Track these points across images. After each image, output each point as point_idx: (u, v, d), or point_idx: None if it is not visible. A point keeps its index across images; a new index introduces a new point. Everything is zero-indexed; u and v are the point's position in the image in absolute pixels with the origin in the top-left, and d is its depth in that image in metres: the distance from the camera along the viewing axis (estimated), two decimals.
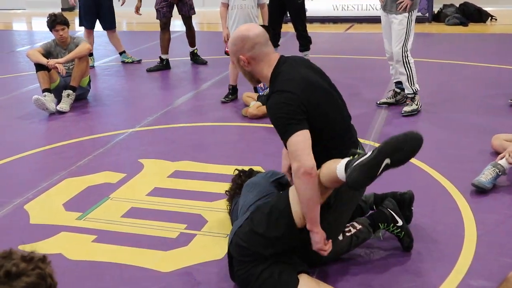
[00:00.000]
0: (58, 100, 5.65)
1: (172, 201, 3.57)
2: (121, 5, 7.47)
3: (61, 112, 5.50)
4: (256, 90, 5.60)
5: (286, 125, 2.49)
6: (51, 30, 5.73)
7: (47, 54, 5.69)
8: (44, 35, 9.26)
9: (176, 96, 6.12)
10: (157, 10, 6.97)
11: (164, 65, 7.21)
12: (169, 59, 7.29)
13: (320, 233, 2.52)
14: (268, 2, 6.00)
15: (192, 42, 7.33)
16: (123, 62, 7.56)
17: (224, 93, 5.82)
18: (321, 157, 2.49)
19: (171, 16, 7.05)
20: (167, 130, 5.04)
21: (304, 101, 2.49)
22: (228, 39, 5.58)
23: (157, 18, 7.09)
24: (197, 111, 5.60)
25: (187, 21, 7.12)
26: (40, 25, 11.00)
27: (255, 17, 5.61)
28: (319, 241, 2.52)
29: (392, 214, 2.90)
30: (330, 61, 7.38)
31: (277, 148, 4.41)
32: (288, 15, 6.57)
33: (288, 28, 7.25)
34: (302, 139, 2.44)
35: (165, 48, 7.15)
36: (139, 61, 7.62)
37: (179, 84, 6.69)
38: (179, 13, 7.04)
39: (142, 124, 5.16)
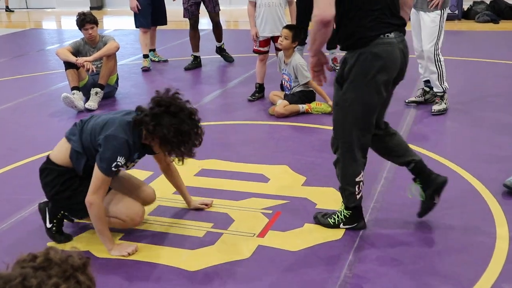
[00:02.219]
0: (87, 98, 5.71)
1: (198, 200, 3.57)
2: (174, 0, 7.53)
3: (89, 110, 5.55)
4: (282, 89, 5.57)
5: None
6: (80, 29, 5.78)
7: (76, 52, 5.74)
8: (73, 33, 9.36)
9: (203, 94, 6.12)
10: (185, 8, 6.98)
11: (198, 63, 7.26)
12: (203, 56, 7.38)
13: (316, 58, 2.87)
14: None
15: (218, 37, 7.32)
16: (151, 60, 7.54)
17: (251, 91, 5.81)
18: (349, 19, 2.74)
19: (199, 14, 7.06)
20: None
21: None
22: (256, 38, 5.57)
23: (184, 17, 7.10)
24: (224, 110, 5.59)
25: (214, 18, 7.10)
26: (69, 23, 11.12)
27: (283, 15, 5.57)
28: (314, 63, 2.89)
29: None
30: None
31: (304, 147, 4.41)
32: None
33: None
34: None
35: (196, 46, 7.20)
36: (165, 61, 7.63)
37: (206, 82, 6.69)
38: (206, 10, 7.05)
39: None
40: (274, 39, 5.56)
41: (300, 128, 4.86)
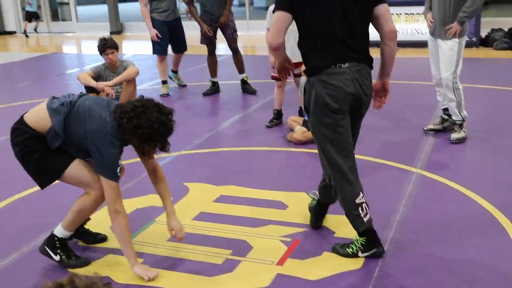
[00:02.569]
0: None
1: (217, 226, 3.58)
2: (190, 19, 7.53)
3: None
4: (301, 114, 5.59)
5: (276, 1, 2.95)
6: (101, 54, 5.87)
7: (97, 77, 5.82)
8: (93, 58, 9.50)
9: (222, 119, 6.16)
10: (203, 35, 7.06)
11: (216, 88, 7.32)
12: (220, 82, 7.43)
13: (280, 65, 3.15)
14: None
15: (240, 69, 7.28)
16: (170, 78, 7.60)
17: (269, 117, 5.83)
18: (306, 48, 2.97)
19: (216, 39, 7.13)
20: (213, 154, 5.07)
21: None
22: (274, 65, 5.60)
23: (201, 43, 7.17)
24: (242, 135, 5.62)
25: (232, 44, 7.14)
26: (90, 48, 11.30)
27: None
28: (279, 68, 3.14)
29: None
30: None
31: (322, 173, 4.39)
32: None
33: None
34: (277, 17, 2.90)
35: (214, 71, 7.27)
36: (184, 86, 7.68)
37: (225, 108, 6.74)
38: (224, 36, 7.10)
39: (188, 147, 5.21)
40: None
41: (318, 155, 4.85)
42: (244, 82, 7.30)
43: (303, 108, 5.13)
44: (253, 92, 7.21)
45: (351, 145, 3.09)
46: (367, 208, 3.07)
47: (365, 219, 3.06)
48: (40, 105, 3.12)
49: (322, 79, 2.91)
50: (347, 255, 3.14)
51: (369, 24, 3.01)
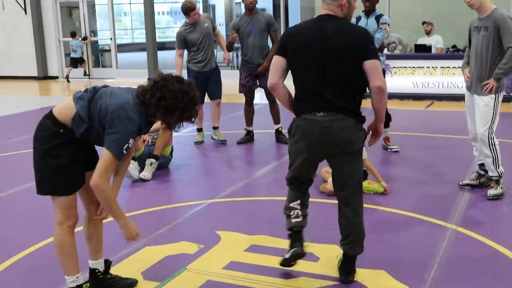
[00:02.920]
0: (141, 167, 5.86)
1: (248, 276, 3.56)
2: (227, 65, 7.60)
3: (143, 180, 5.69)
4: None
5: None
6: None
7: None
8: None
9: (255, 168, 6.19)
10: (241, 84, 7.14)
11: (251, 137, 7.37)
12: (255, 131, 7.47)
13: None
14: None
15: (276, 119, 7.28)
16: (213, 138, 7.39)
17: None
18: (295, 91, 3.41)
19: (255, 89, 7.22)
20: (246, 203, 5.08)
21: (285, 40, 3.35)
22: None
23: (240, 92, 7.26)
24: (276, 185, 5.62)
25: (270, 95, 7.10)
26: None
27: None
28: None
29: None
30: (411, 139, 7.29)
31: None
32: (368, 91, 6.61)
33: (367, 104, 7.24)
34: (273, 61, 3.39)
35: (250, 120, 7.34)
36: (223, 142, 7.33)
37: (258, 157, 6.78)
38: (260, 86, 7.16)
39: (221, 195, 5.23)
40: None
41: None
42: (278, 132, 7.32)
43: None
44: (287, 143, 7.19)
45: (305, 178, 3.66)
46: (300, 214, 3.64)
47: (293, 221, 3.60)
48: (66, 99, 3.17)
49: (297, 123, 3.37)
50: None
51: (358, 79, 3.27)
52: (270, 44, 7.19)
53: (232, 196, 5.22)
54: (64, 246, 3.16)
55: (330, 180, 5.24)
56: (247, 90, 7.18)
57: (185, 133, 8.05)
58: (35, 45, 16.67)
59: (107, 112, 2.93)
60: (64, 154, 3.04)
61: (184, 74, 6.95)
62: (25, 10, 16.59)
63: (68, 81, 15.93)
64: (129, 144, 2.94)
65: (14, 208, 5.13)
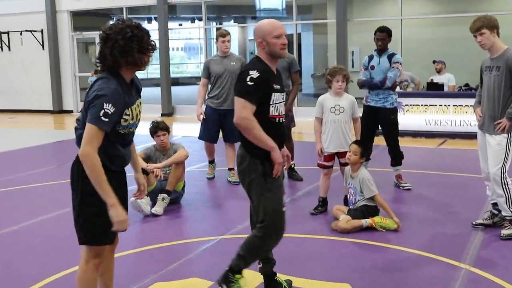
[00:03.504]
0: (153, 203, 5.87)
1: None
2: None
3: (155, 215, 5.70)
4: (346, 203, 5.57)
5: None
6: (153, 136, 6.07)
7: (147, 158, 6.01)
8: (143, 138, 9.77)
9: None
10: None
11: None
12: None
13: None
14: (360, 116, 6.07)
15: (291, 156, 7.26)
16: (228, 181, 7.25)
17: (314, 204, 5.83)
18: None
19: None
20: None
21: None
22: (321, 153, 5.65)
23: None
24: (287, 222, 5.58)
25: (288, 132, 7.07)
26: (141, 128, 11.63)
27: (348, 132, 5.68)
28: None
29: None
30: (423, 177, 7.26)
31: (367, 266, 4.32)
32: (380, 128, 6.64)
33: (379, 141, 7.27)
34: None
35: None
36: (236, 183, 7.06)
37: None
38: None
39: (233, 231, 5.22)
40: (339, 154, 5.65)
41: (363, 245, 4.79)
42: (291, 169, 7.28)
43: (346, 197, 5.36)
44: (299, 180, 7.18)
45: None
46: None
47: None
48: None
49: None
50: None
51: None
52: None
53: (244, 233, 5.18)
54: (86, 283, 3.16)
55: (342, 217, 5.23)
56: None
57: (197, 168, 8.08)
58: (51, 79, 16.96)
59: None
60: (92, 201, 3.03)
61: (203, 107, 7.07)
62: (42, 45, 16.94)
63: None
64: (107, 111, 2.90)
65: (26, 241, 5.15)
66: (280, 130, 3.60)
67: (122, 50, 2.96)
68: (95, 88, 2.98)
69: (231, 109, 6.93)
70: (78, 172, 3.07)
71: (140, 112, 3.19)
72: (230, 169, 7.25)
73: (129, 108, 3.05)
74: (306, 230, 5.24)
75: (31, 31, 16.81)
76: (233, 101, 7.01)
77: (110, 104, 2.90)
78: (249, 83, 3.42)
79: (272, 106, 3.52)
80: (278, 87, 3.57)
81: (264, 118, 3.48)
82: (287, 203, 6.18)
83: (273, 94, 3.51)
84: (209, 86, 7.16)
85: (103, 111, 2.88)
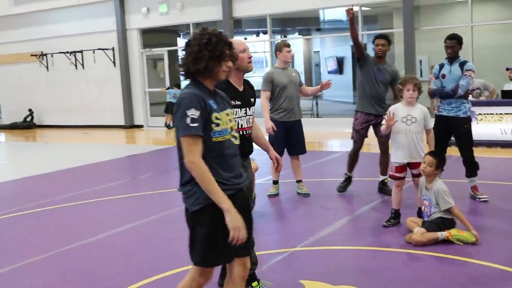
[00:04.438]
0: None
1: None
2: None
3: None
4: (420, 215, 5.44)
5: None
6: None
7: None
8: None
9: (337, 217, 6.11)
10: (356, 130, 6.90)
11: (349, 182, 7.15)
12: (335, 179, 7.33)
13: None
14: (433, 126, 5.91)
15: (384, 170, 6.91)
16: (298, 193, 7.17)
17: (386, 216, 5.72)
18: None
19: (367, 137, 7.01)
20: (329, 252, 5.01)
21: None
22: (391, 165, 5.53)
23: (352, 138, 7.01)
24: (358, 234, 5.53)
25: (384, 144, 6.84)
26: None
27: (420, 142, 5.54)
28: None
29: None
30: (500, 188, 6.99)
31: (445, 280, 4.18)
32: (453, 138, 6.45)
33: (451, 151, 7.06)
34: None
35: (352, 166, 7.08)
36: (306, 195, 7.06)
37: (340, 205, 6.70)
38: (376, 135, 6.89)
39: (304, 244, 5.19)
40: (411, 165, 5.53)
41: (440, 259, 4.65)
42: (383, 184, 6.99)
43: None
44: (390, 194, 6.50)
45: None
46: None
47: None
48: None
49: None
50: None
51: None
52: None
53: (314, 245, 5.16)
54: None
55: (416, 229, 5.10)
56: (359, 136, 6.91)
57: (264, 181, 8.10)
58: (122, 95, 17.50)
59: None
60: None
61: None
62: (114, 63, 17.52)
63: (169, 127, 16.19)
64: (192, 116, 2.87)
65: (103, 252, 5.30)
66: (242, 143, 3.52)
67: (195, 57, 2.97)
68: (177, 100, 3.03)
69: (297, 120, 7.03)
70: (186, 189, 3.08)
71: (231, 121, 3.11)
72: (298, 181, 7.20)
73: (219, 113, 3.01)
74: (380, 243, 5.14)
75: (103, 49, 17.42)
76: (298, 112, 7.08)
77: (192, 109, 2.88)
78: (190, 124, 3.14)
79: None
80: (238, 103, 3.76)
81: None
82: (360, 216, 6.11)
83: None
84: (271, 102, 6.96)
85: (188, 118, 2.87)
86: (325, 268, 4.57)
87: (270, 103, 6.93)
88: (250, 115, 3.90)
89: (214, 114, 2.97)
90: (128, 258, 5.07)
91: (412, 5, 13.48)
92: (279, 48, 6.91)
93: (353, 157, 7.07)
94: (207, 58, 2.96)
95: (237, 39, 3.88)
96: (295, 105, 6.89)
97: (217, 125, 2.99)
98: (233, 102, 3.61)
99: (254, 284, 4.01)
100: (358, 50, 6.87)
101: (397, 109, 5.56)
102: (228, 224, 2.87)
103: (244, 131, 3.83)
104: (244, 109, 3.82)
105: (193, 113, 2.88)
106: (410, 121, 5.47)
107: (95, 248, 5.47)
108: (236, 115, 3.70)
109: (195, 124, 2.88)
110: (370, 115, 6.81)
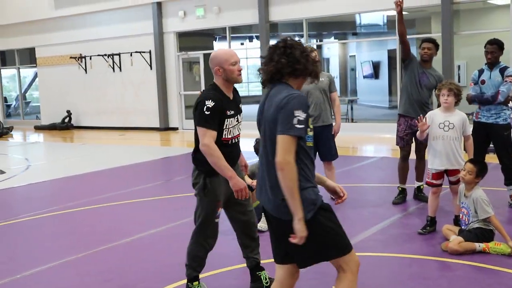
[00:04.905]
0: (258, 218, 5.92)
1: None
2: None
3: (260, 231, 5.73)
4: (457, 223, 5.34)
5: None
6: (257, 153, 6.12)
7: (252, 175, 6.07)
8: (247, 155, 9.92)
9: (371, 223, 6.04)
10: (400, 137, 6.74)
11: (404, 196, 6.85)
12: (370, 185, 7.23)
13: None
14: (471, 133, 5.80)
15: (420, 175, 6.81)
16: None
17: (422, 223, 5.63)
18: None
19: (412, 144, 6.83)
20: (362, 258, 4.92)
21: None
22: (428, 172, 5.44)
23: (397, 145, 6.86)
24: (393, 241, 5.46)
25: (422, 150, 6.72)
26: (246, 144, 11.83)
27: (458, 149, 5.44)
28: None
29: None
30: None
31: None
32: (492, 145, 6.32)
33: (490, 159, 6.91)
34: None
35: (405, 177, 6.82)
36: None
37: (374, 211, 6.62)
38: (415, 141, 6.73)
39: None
40: (448, 172, 5.44)
41: (477, 268, 4.56)
42: (419, 190, 6.88)
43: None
44: (427, 201, 6.27)
45: None
46: None
47: None
48: None
49: None
50: None
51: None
52: None
53: (357, 247, 5.10)
54: None
55: (452, 238, 5.02)
56: (405, 144, 6.74)
57: None
58: (158, 98, 17.68)
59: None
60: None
61: None
62: (150, 65, 17.72)
63: None
64: (299, 117, 2.91)
65: (138, 253, 5.36)
66: (233, 151, 4.03)
67: (297, 60, 3.09)
68: (284, 98, 3.09)
69: (326, 125, 6.87)
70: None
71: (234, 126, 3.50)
72: None
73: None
74: (415, 251, 5.07)
75: (140, 52, 17.64)
76: (326, 117, 6.97)
77: (300, 111, 2.93)
78: (206, 112, 3.79)
79: (226, 130, 3.92)
80: (231, 112, 3.93)
81: (218, 140, 3.85)
82: (395, 222, 6.03)
83: (226, 119, 3.89)
84: None
85: (295, 119, 2.90)
86: (359, 275, 4.51)
87: None
88: (240, 122, 4.09)
89: (310, 119, 3.07)
90: (164, 260, 5.11)
91: (451, 9, 13.28)
92: None
93: (402, 166, 6.82)
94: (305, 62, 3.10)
95: (229, 50, 3.99)
96: (322, 110, 6.75)
97: (311, 130, 3.12)
98: (228, 112, 3.89)
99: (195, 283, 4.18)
100: (405, 49, 6.65)
101: (435, 115, 5.48)
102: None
103: (236, 138, 4.06)
104: (236, 117, 4.01)
105: (300, 114, 2.92)
106: (447, 127, 5.39)
107: (130, 248, 5.53)
108: (230, 124, 3.94)
109: (301, 126, 2.92)
110: (413, 120, 6.56)
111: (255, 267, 4.28)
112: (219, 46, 19.49)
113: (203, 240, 4.07)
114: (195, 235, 4.09)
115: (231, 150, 3.99)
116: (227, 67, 3.87)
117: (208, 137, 3.79)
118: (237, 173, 3.98)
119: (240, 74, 3.93)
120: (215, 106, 3.80)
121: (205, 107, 3.80)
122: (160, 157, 12.05)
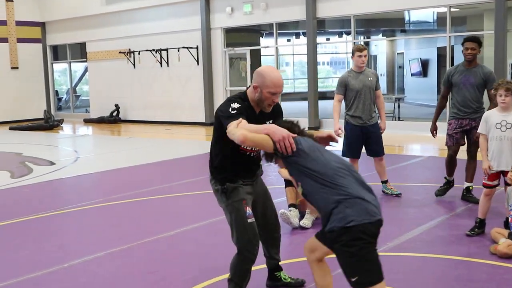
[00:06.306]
0: (302, 215, 5.89)
1: None
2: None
3: (303, 228, 5.71)
4: (507, 226, 5.19)
5: None
6: None
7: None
8: None
9: (418, 222, 5.93)
10: (449, 135, 6.66)
11: (449, 186, 6.88)
12: (416, 184, 7.11)
13: None
14: None
15: (471, 177, 6.69)
16: (383, 192, 7.14)
17: (470, 225, 5.49)
18: None
19: (462, 144, 6.69)
20: (407, 259, 4.87)
21: None
22: (488, 172, 5.28)
23: (447, 144, 6.76)
24: (440, 241, 5.34)
25: (474, 150, 6.58)
26: None
27: None
28: None
29: None
30: None
31: None
32: None
33: None
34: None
35: (452, 171, 6.78)
36: (398, 195, 7.07)
37: (421, 210, 6.49)
38: (467, 140, 6.63)
39: (382, 249, 5.05)
40: (504, 173, 5.27)
41: None
42: (468, 191, 6.72)
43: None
44: (474, 202, 6.42)
45: None
46: None
47: None
48: None
49: None
50: None
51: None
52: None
53: (393, 251, 5.04)
54: None
55: (502, 240, 4.88)
56: (454, 143, 6.62)
57: None
58: (204, 93, 17.81)
59: None
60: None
61: (341, 122, 6.94)
62: (197, 61, 17.86)
63: None
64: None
65: (179, 247, 5.41)
66: (249, 164, 3.85)
67: None
68: None
69: (374, 124, 6.95)
70: None
71: None
72: (384, 182, 7.13)
73: None
74: (462, 252, 4.95)
75: (187, 47, 17.80)
76: (375, 115, 6.92)
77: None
78: (232, 111, 3.61)
79: None
80: None
81: (236, 150, 3.70)
82: (443, 223, 5.90)
83: None
84: (345, 103, 7.00)
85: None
86: (402, 276, 4.45)
87: (346, 106, 6.98)
88: None
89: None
90: (207, 253, 5.14)
91: (505, 6, 12.89)
92: (352, 52, 6.93)
93: (450, 162, 6.77)
94: None
95: (278, 78, 3.71)
96: (371, 110, 6.90)
97: None
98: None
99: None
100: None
101: (491, 115, 5.32)
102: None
103: (256, 152, 3.84)
104: None
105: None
106: (505, 127, 5.22)
107: (174, 241, 5.59)
108: None
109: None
110: (463, 119, 6.51)
111: (275, 268, 4.28)
112: (265, 43, 19.51)
113: (244, 249, 3.81)
114: (237, 245, 3.85)
115: (247, 161, 3.83)
116: (265, 91, 3.69)
117: (240, 127, 3.49)
118: (257, 186, 3.95)
119: (271, 106, 3.75)
120: (240, 108, 3.64)
121: (231, 108, 3.63)
122: (205, 151, 12.11)
